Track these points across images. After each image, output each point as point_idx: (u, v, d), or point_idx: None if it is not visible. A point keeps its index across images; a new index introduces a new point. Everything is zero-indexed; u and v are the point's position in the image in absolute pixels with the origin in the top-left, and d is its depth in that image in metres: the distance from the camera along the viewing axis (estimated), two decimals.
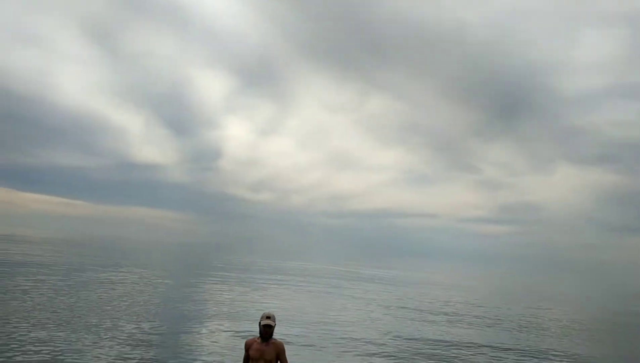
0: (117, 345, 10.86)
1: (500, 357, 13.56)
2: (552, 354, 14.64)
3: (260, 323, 7.76)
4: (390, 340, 14.51)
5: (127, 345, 10.96)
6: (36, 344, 10.16)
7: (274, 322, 7.76)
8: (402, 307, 23.88)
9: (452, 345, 14.50)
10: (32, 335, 10.92)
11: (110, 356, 9.83)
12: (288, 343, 11.18)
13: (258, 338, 7.71)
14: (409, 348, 13.55)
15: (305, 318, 17.36)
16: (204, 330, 13.86)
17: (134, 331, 12.49)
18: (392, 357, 12.29)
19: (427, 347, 14.03)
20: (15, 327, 11.49)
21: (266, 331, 7.57)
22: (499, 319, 22.56)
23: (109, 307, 15.70)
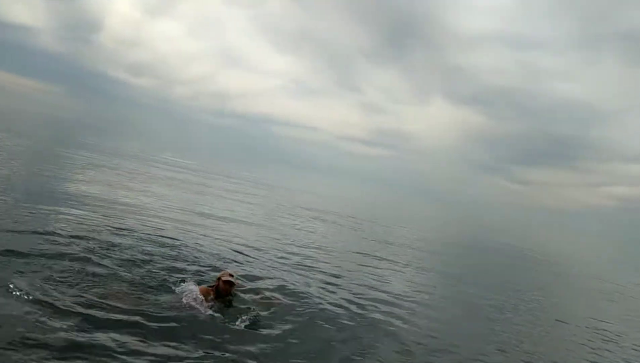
0: None
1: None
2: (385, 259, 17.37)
3: (220, 278, 7.41)
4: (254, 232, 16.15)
5: None
6: None
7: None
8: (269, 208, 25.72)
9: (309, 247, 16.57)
10: None
11: None
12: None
13: (212, 291, 7.43)
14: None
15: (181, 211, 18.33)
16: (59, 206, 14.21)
17: None
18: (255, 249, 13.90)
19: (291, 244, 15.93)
20: None
21: (226, 289, 7.37)
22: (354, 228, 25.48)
23: None
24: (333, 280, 11.47)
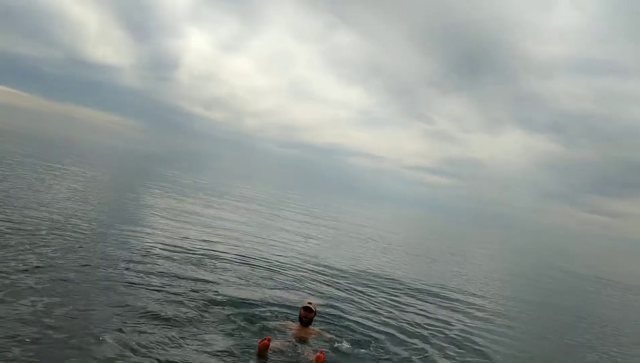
0: (48, 237, 11.37)
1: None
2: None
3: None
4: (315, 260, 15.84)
5: (59, 236, 11.52)
6: None
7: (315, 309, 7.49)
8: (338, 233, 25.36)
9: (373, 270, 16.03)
10: None
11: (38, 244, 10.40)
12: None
13: (296, 323, 7.54)
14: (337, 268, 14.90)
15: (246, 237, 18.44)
16: (140, 230, 14.55)
17: (68, 225, 12.97)
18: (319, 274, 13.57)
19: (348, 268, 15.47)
20: None
21: (305, 315, 7.28)
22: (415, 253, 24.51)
23: (45, 199, 15.92)
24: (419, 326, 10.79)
